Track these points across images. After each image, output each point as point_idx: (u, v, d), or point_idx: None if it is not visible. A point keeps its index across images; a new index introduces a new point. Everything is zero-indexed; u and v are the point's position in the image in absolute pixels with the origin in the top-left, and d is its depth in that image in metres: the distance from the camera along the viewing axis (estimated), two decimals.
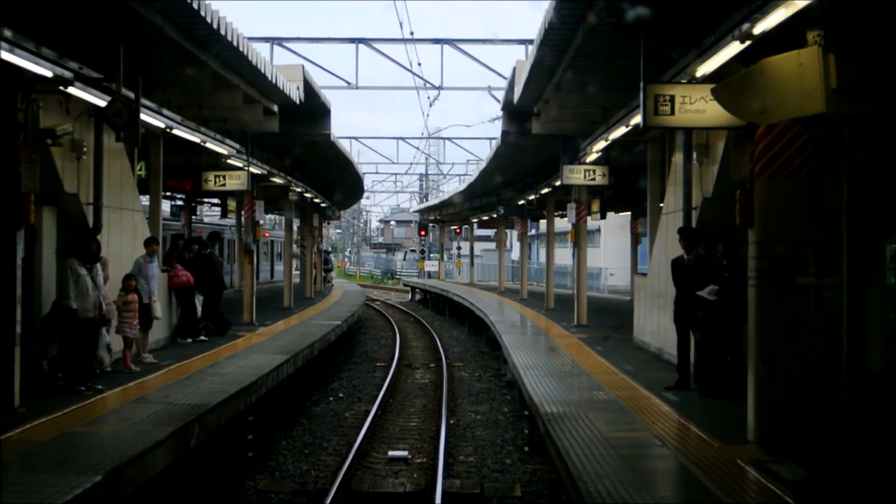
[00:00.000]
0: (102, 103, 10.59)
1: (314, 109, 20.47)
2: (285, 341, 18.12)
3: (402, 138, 42.78)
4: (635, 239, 32.52)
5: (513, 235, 54.24)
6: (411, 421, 15.93)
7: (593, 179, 18.87)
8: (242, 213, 22.10)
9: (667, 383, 12.34)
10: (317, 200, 32.33)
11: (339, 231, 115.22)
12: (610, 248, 56.49)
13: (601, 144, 15.46)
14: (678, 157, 14.48)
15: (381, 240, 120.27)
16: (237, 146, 16.39)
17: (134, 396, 11.34)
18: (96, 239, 12.24)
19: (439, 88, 24.35)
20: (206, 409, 10.51)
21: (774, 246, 8.54)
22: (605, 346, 17.26)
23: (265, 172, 20.83)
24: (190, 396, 11.30)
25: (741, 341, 11.34)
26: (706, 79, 9.34)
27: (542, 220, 45.00)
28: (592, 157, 17.72)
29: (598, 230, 56.27)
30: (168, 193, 34.94)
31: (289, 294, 27.16)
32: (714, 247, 12.03)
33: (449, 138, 43.68)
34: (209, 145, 15.03)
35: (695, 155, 12.80)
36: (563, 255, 62.25)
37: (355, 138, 40.81)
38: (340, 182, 34.44)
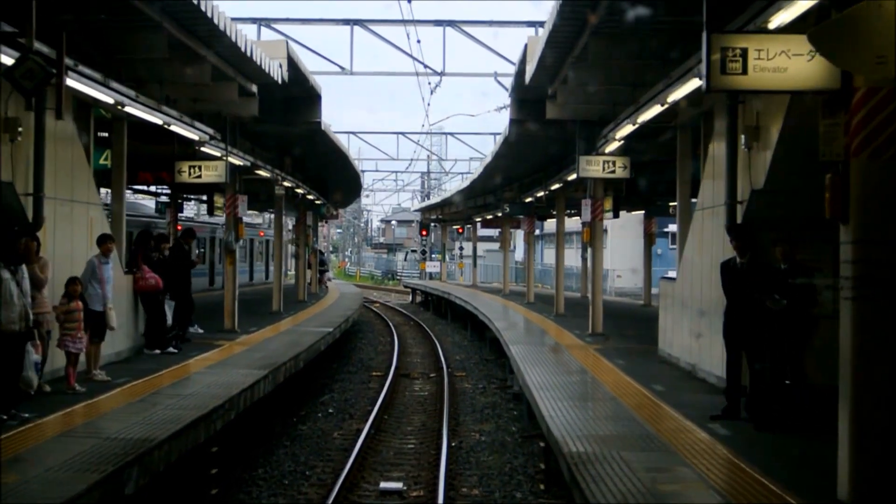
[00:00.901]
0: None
1: (303, 95, 18.50)
2: (267, 352, 16.15)
3: (403, 133, 40.94)
4: (649, 240, 30.53)
5: (517, 235, 52.38)
6: (408, 442, 14.29)
7: (613, 172, 16.82)
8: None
9: (709, 409, 10.37)
10: (310, 197, 30.37)
11: (339, 231, 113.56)
12: (616, 248, 54.61)
13: (626, 130, 13.40)
14: (717, 145, 12.51)
15: (382, 240, 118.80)
16: (210, 131, 14.36)
17: (66, 428, 9.32)
18: (34, 237, 10.27)
19: (441, 74, 22.39)
20: (151, 445, 8.51)
21: (877, 246, 6.52)
22: (627, 360, 15.25)
23: (248, 164, 18.81)
24: (135, 428, 9.29)
25: (804, 362, 9.39)
26: (782, 30, 7.33)
27: (545, 220, 43.26)
28: (613, 146, 15.70)
29: (605, 230, 54.26)
30: (154, 188, 33.15)
31: (278, 297, 25.18)
32: (770, 248, 10.01)
33: (451, 133, 41.77)
34: (175, 129, 12.99)
35: (742, 139, 10.80)
36: (568, 256, 60.42)
37: (353, 133, 39.08)
38: (335, 178, 32.42)
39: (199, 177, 16.58)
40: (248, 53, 12.62)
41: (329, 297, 35.30)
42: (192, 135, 13.86)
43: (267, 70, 13.47)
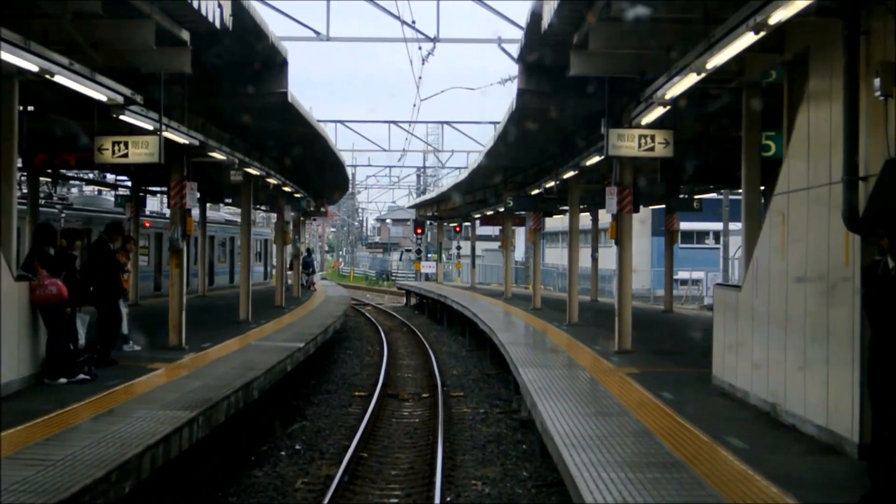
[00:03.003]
0: None
1: (264, 58, 14.93)
2: (210, 379, 12.62)
3: (395, 122, 37.45)
4: (671, 238, 27.05)
5: (518, 234, 49.12)
6: (390, 495, 11.35)
7: (651, 149, 13.20)
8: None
9: (833, 488, 6.94)
10: (287, 189, 26.84)
11: (333, 230, 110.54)
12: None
13: (684, 84, 9.73)
14: (816, 102, 8.98)
15: (377, 239, 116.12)
16: (126, 92, 10.75)
17: None
18: None
19: (434, 40, 18.85)
20: None
21: None
22: (674, 393, 11.70)
23: (196, 143, 15.22)
24: None
25: None
26: None
27: (550, 217, 39.84)
28: (654, 114, 12.12)
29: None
30: (114, 179, 29.73)
31: (246, 303, 21.62)
32: None
33: (448, 122, 38.15)
34: (61, 80, 9.37)
35: (877, 83, 7.26)
36: (558, 255, 57.19)
37: (341, 122, 35.58)
38: (316, 167, 28.76)
39: (126, 155, 12.99)
40: None
41: (312, 301, 31.84)
42: (95, 93, 10.22)
43: (195, 5, 9.83)
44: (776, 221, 10.03)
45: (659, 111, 11.73)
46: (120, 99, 10.68)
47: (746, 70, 10.87)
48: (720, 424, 9.60)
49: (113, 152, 13.03)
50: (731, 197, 39.18)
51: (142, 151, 13.06)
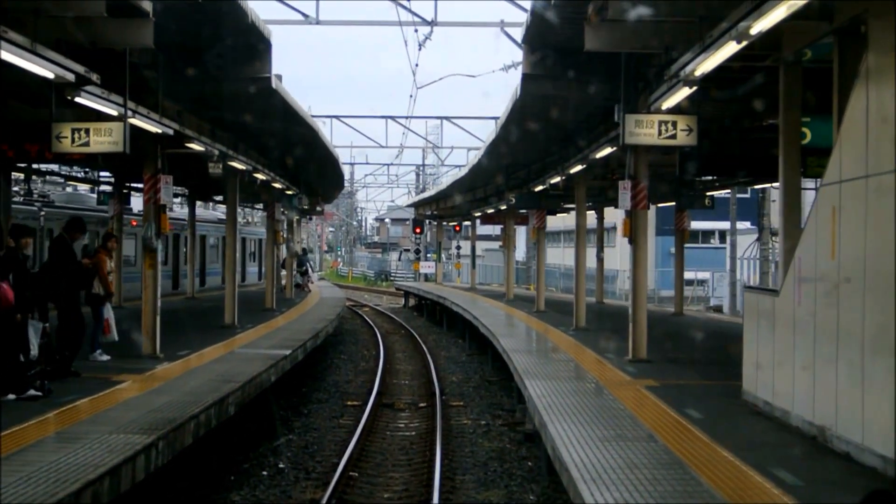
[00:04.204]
0: None
1: (246, 41, 13.61)
2: (181, 394, 11.28)
3: (392, 117, 36.03)
4: (682, 237, 25.70)
5: (518, 233, 47.82)
6: None
7: (673, 136, 11.83)
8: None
9: None
10: (278, 185, 25.49)
11: (332, 229, 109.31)
12: (624, 246, 49.87)
13: (724, 53, 8.25)
14: (878, 77, 7.65)
15: (376, 239, 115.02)
16: (78, 69, 9.37)
17: None
18: None
19: (432, 24, 17.52)
20: None
21: None
22: (701, 410, 10.37)
23: (171, 132, 13.86)
24: None
25: None
26: None
27: (552, 216, 38.51)
28: (678, 96, 10.77)
29: (614, 227, 49.80)
30: (96, 175, 28.42)
31: (232, 307, 20.27)
32: None
33: (447, 118, 36.76)
34: None
35: None
36: (558, 255, 55.86)
37: (336, 117, 34.21)
38: (308, 162, 27.44)
39: (87, 144, 11.63)
40: None
41: (305, 303, 30.52)
42: (39, 69, 8.84)
43: None
44: (825, 215, 8.68)
45: (684, 92, 10.34)
46: (70, 77, 9.33)
47: (785, 44, 9.53)
48: (761, 451, 8.27)
49: (73, 140, 11.67)
50: (739, 195, 37.89)
51: (105, 140, 11.69)
